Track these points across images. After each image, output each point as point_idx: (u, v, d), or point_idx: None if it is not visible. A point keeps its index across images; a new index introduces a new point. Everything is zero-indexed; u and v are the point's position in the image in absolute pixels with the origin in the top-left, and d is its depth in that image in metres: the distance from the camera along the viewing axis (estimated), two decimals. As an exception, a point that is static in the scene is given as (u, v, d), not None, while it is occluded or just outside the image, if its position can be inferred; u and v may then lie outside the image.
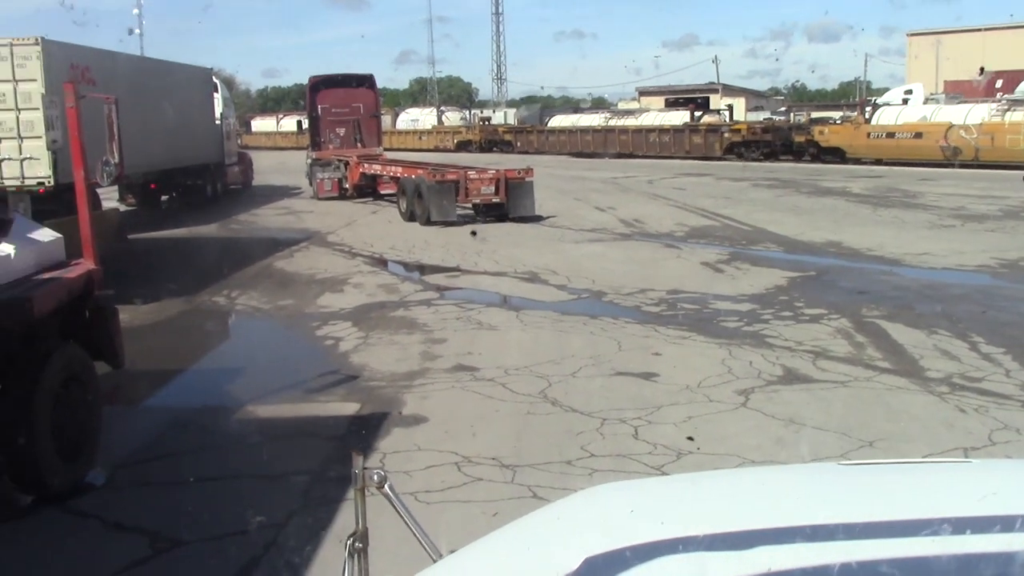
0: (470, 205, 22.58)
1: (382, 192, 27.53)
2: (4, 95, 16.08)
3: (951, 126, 36.69)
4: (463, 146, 61.05)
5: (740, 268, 15.09)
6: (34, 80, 16.24)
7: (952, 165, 35.54)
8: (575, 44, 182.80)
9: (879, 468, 1.91)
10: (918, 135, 37.69)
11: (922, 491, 1.64)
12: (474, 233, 14.12)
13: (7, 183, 16.17)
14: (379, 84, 32.40)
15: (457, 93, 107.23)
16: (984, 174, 32.58)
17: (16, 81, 16.15)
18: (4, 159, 16.38)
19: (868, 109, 42.74)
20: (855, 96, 76.82)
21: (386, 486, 1.82)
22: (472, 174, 22.56)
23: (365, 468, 1.81)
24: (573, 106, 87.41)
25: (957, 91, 47.09)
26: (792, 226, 19.98)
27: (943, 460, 2.18)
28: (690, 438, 6.71)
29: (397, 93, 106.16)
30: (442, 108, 76.64)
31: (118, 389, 8.50)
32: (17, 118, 16.27)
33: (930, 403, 7.92)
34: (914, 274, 14.34)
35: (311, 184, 29.62)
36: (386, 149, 33.59)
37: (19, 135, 16.31)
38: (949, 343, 9.83)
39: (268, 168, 37.10)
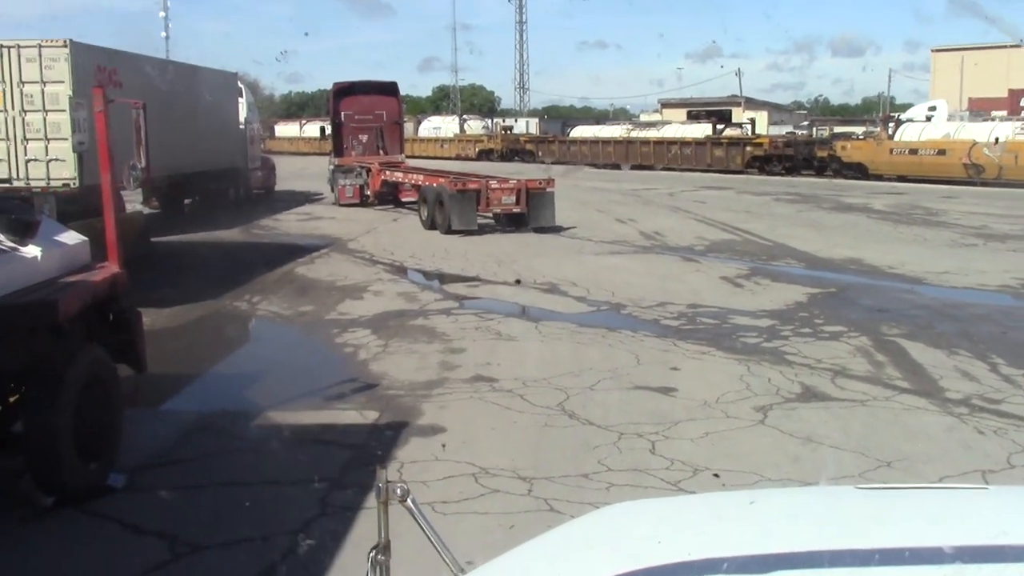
0: (491, 214, 22.64)
1: (403, 200, 27.63)
2: (32, 96, 16.26)
3: (975, 144, 36.50)
4: (484, 155, 61.19)
5: (760, 283, 15.06)
6: (62, 82, 16.42)
7: (975, 183, 35.35)
8: (598, 54, 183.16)
9: (897, 493, 1.93)
10: (941, 152, 37.50)
11: (941, 518, 1.65)
12: (518, 281, 14.25)
13: (33, 184, 16.35)
14: (402, 91, 32.52)
15: (479, 102, 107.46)
16: (1008, 193, 32.36)
17: (44, 83, 16.33)
18: (30, 160, 16.57)
19: (891, 125, 42.56)
20: (878, 111, 76.56)
21: (409, 500, 1.85)
22: (493, 184, 22.62)
23: (388, 482, 1.84)
24: (595, 117, 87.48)
25: (981, 108, 46.86)
26: (813, 242, 19.93)
27: (962, 486, 2.18)
28: (716, 475, 6.67)
29: (420, 100, 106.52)
30: (464, 116, 76.82)
31: (139, 391, 8.56)
32: (44, 119, 16.45)
33: (949, 424, 7.89)
34: (935, 293, 14.27)
35: (333, 190, 29.75)
36: (408, 156, 33.72)
37: (46, 136, 16.48)
38: (969, 364, 9.79)
39: (290, 173, 37.29)
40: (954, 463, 6.88)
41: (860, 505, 1.78)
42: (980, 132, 37.37)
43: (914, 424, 7.89)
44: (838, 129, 52.37)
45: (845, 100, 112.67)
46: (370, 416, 8.27)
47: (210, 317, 13.12)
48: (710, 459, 6.98)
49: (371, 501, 6.00)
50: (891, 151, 39.74)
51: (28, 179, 16.37)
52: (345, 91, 30.50)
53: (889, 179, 38.98)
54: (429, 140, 66.94)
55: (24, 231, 6.49)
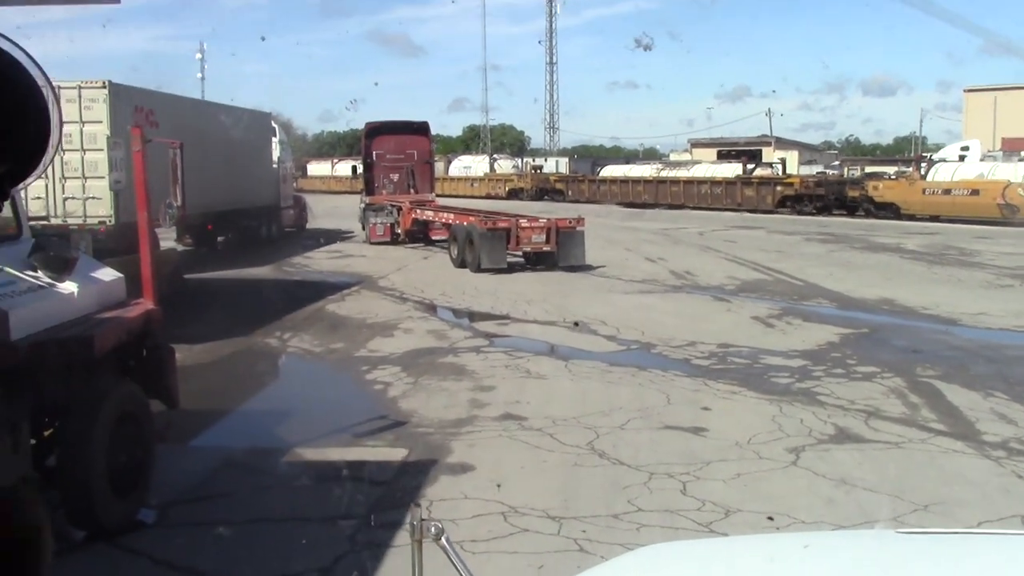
0: (520, 253, 22.69)
1: (434, 238, 27.77)
2: (70, 136, 16.58)
3: (1009, 184, 36.21)
4: (514, 194, 61.45)
5: (791, 323, 14.96)
6: (100, 122, 16.74)
7: (1010, 224, 35.01)
8: (628, 94, 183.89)
9: (937, 538, 1.89)
10: (975, 192, 37.22)
11: (981, 565, 1.62)
12: (576, 324, 14.19)
13: (70, 221, 16.61)
14: (433, 131, 32.81)
15: (509, 141, 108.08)
16: (1043, 233, 32.02)
17: (83, 123, 16.66)
18: (68, 198, 16.85)
19: (923, 165, 42.35)
20: (910, 151, 76.26)
21: (443, 538, 1.84)
22: (523, 222, 22.69)
23: (423, 520, 1.84)
24: (625, 156, 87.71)
25: (1015, 148, 46.50)
26: (845, 282, 19.78)
27: (1006, 532, 2.13)
28: (770, 518, 6.58)
29: (450, 140, 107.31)
30: (494, 156, 77.26)
31: (170, 427, 8.60)
32: (82, 158, 16.76)
33: (986, 468, 7.75)
34: (970, 334, 14.10)
35: (364, 228, 29.96)
36: (438, 195, 33.92)
37: (83, 175, 16.79)
38: (1006, 406, 9.64)
39: (322, 212, 37.61)
40: (993, 508, 6.75)
41: (902, 549, 1.75)
42: (1014, 172, 37.08)
43: (951, 467, 7.76)
44: (869, 169, 52.23)
45: (876, 140, 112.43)
46: (399, 453, 8.26)
47: (241, 353, 13.20)
48: (742, 501, 6.90)
49: (400, 539, 5.98)
50: (924, 191, 39.50)
51: (65, 216, 16.65)
52: (377, 131, 30.81)
53: (922, 219, 38.72)
54: (459, 179, 67.35)
55: (62, 267, 6.57)
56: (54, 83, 0.99)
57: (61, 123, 0.94)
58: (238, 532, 6.48)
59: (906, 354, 12.45)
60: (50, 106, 0.92)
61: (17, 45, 0.96)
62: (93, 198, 16.88)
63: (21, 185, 0.93)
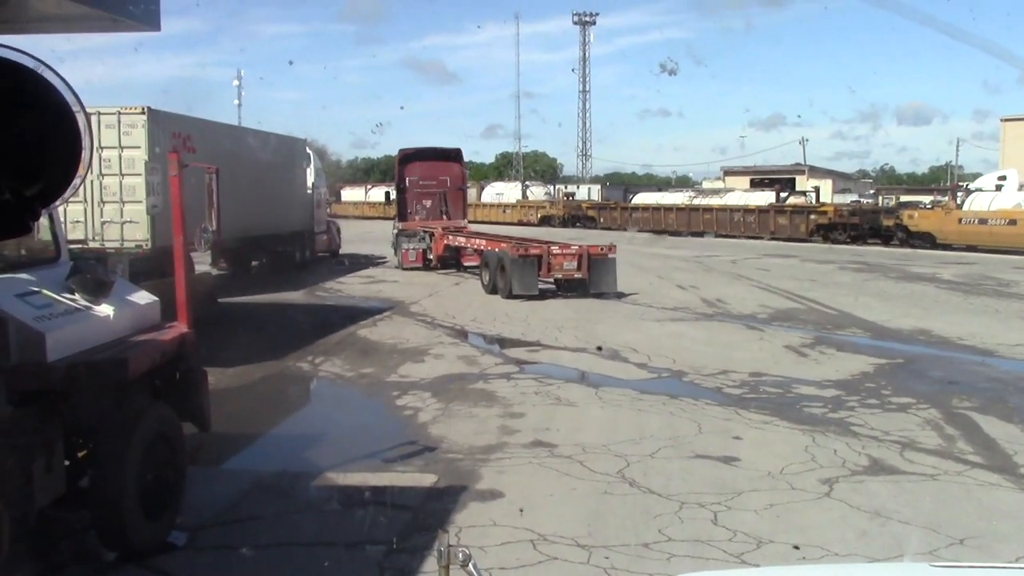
0: (552, 280, 22.69)
1: (465, 264, 27.85)
2: (109, 160, 16.85)
3: (1047, 214, 35.76)
4: (546, 221, 61.55)
5: (825, 353, 14.82)
6: (138, 147, 17.01)
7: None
8: (660, 122, 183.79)
9: (970, 572, 1.86)
10: (1012, 222, 36.79)
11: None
12: (600, 348, 14.05)
13: (108, 245, 16.85)
14: (465, 157, 32.97)
15: (542, 168, 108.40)
16: (1082, 264, 31.56)
17: (121, 148, 16.93)
18: (106, 222, 17.11)
19: (960, 194, 41.95)
20: (946, 180, 75.61)
21: (470, 565, 1.84)
22: (555, 249, 22.71)
23: (450, 546, 1.83)
24: (657, 184, 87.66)
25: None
26: (879, 311, 19.58)
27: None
28: (796, 547, 6.50)
29: (483, 167, 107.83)
30: (527, 183, 77.50)
31: (201, 450, 8.66)
32: (120, 183, 17.02)
33: (1024, 501, 7.62)
34: (1008, 366, 13.90)
35: (396, 254, 30.11)
36: (470, 221, 34.04)
37: (121, 199, 17.05)
38: (1045, 439, 9.47)
39: (355, 237, 37.86)
40: (1031, 542, 6.63)
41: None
42: (1052, 202, 36.62)
43: (988, 500, 7.63)
44: (904, 198, 51.84)
45: (912, 169, 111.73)
46: (429, 479, 8.25)
47: (273, 377, 13.27)
48: (774, 532, 6.82)
49: (428, 565, 5.97)
50: (960, 220, 39.10)
51: (103, 240, 16.89)
52: (410, 157, 31.02)
53: (958, 249, 38.29)
54: (492, 206, 67.58)
55: (98, 291, 6.66)
56: (87, 106, 1.01)
57: (92, 145, 0.96)
58: (267, 555, 6.50)
59: (942, 385, 12.29)
60: (82, 129, 0.93)
61: (50, 68, 0.98)
62: (130, 222, 17.12)
63: (52, 206, 0.95)
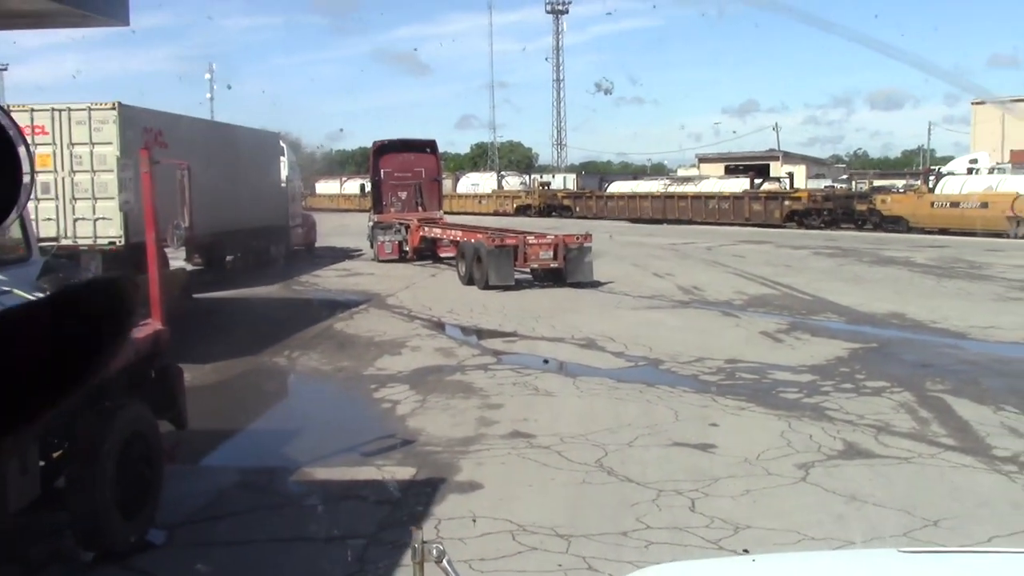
0: (528, 270, 22.71)
1: (441, 255, 27.81)
2: (81, 157, 16.67)
3: (1018, 196, 36.13)
4: (522, 210, 61.54)
5: (800, 338, 14.92)
6: (110, 143, 16.83)
7: (1020, 236, 34.91)
8: (635, 110, 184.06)
9: (942, 557, 1.89)
10: (984, 205, 37.15)
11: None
12: (546, 361, 13.32)
13: (80, 242, 16.69)
14: (440, 148, 32.89)
15: (517, 158, 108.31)
16: (1053, 246, 31.94)
17: (93, 144, 16.75)
18: (78, 219, 16.94)
19: (932, 178, 42.30)
20: (918, 164, 76.20)
21: (444, 560, 1.85)
22: (531, 239, 22.72)
23: (424, 542, 1.84)
24: (632, 172, 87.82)
25: (1023, 160, 46.40)
26: (853, 296, 19.73)
27: (1012, 550, 2.11)
28: (745, 550, 6.54)
29: (458, 157, 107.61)
30: (502, 173, 77.47)
31: (179, 447, 8.63)
32: (92, 180, 16.85)
33: (997, 483, 7.72)
34: (980, 348, 14.05)
35: (372, 246, 30.03)
36: (446, 213, 33.98)
37: (93, 196, 16.87)
38: (1017, 420, 9.59)
39: (330, 230, 37.69)
40: (1004, 523, 6.71)
41: (903, 569, 1.75)
42: (1023, 184, 36.99)
43: (961, 482, 7.73)
44: (877, 182, 52.27)
45: (884, 153, 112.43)
46: (407, 472, 8.25)
47: (250, 373, 13.22)
48: (751, 517, 6.88)
49: (408, 559, 5.96)
50: (932, 204, 39.44)
51: (75, 237, 16.72)
52: (385, 149, 30.91)
53: (930, 232, 38.64)
54: (467, 196, 67.52)
55: (70, 289, 6.61)
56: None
57: (28, 149, 0.95)
58: (246, 552, 6.49)
59: (916, 368, 12.41)
60: (20, 152, 0.92)
61: None
62: (103, 219, 16.96)
63: (3, 225, 0.94)
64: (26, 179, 0.91)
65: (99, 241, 16.95)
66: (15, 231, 6.92)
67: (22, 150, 0.91)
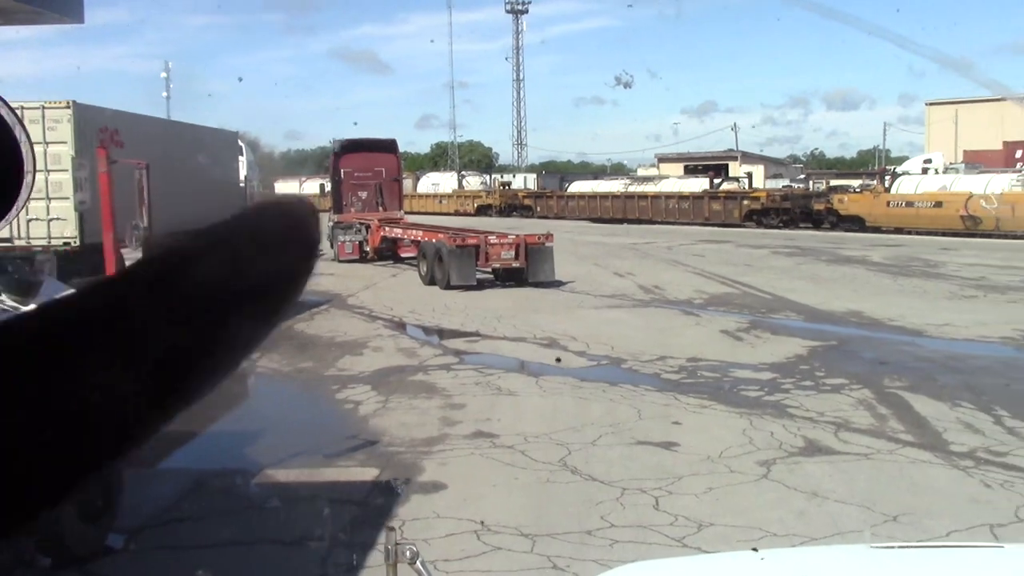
0: (490, 269, 22.70)
1: (402, 255, 27.70)
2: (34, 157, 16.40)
3: (971, 195, 36.75)
4: (483, 210, 61.50)
5: (760, 336, 15.05)
6: (64, 143, 16.58)
7: (973, 235, 35.52)
8: (595, 110, 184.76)
9: (911, 552, 1.90)
10: (938, 204, 37.75)
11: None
12: (558, 360, 13.39)
13: (35, 243, 16.44)
14: (400, 148, 32.76)
15: (477, 158, 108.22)
16: (1005, 244, 32.52)
17: (47, 143, 16.48)
18: (32, 219, 16.67)
19: (887, 178, 42.89)
20: (874, 164, 77.19)
21: (418, 562, 1.83)
22: (492, 239, 22.70)
23: (398, 543, 1.83)
24: (593, 172, 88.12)
25: (976, 161, 47.24)
26: (812, 295, 19.95)
27: (977, 544, 2.14)
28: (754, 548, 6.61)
29: (418, 157, 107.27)
30: (463, 172, 77.37)
31: (138, 451, 8.49)
32: (46, 179, 16.57)
33: (955, 477, 7.83)
34: (936, 345, 14.26)
35: (332, 246, 29.81)
36: (407, 213, 33.87)
37: (47, 196, 16.60)
38: (973, 416, 9.74)
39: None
40: (961, 517, 6.82)
41: (875, 564, 1.76)
42: (976, 184, 37.65)
43: (919, 478, 7.83)
44: (834, 182, 52.77)
45: (841, 153, 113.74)
46: (371, 473, 8.21)
47: (210, 374, 13.05)
48: (714, 515, 6.92)
49: (372, 559, 5.94)
50: (888, 203, 39.99)
51: (29, 238, 16.46)
52: (345, 149, 30.74)
53: (887, 231, 39.18)
54: (428, 196, 67.33)
55: (26, 291, 6.50)
56: (8, 100, 0.96)
57: (32, 148, 0.92)
58: (208, 555, 6.41)
59: (874, 366, 12.57)
60: (21, 143, 0.90)
61: None
62: (57, 219, 16.70)
63: (1, 224, 0.91)
64: (27, 178, 0.88)
65: (54, 242, 16.70)
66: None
67: (25, 148, 0.88)
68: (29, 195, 0.89)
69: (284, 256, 0.61)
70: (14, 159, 0.85)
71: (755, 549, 5.95)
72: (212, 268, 0.56)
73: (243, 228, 0.60)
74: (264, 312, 0.59)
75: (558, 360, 13.32)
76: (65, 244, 16.69)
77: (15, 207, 0.86)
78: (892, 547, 1.98)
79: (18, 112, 0.93)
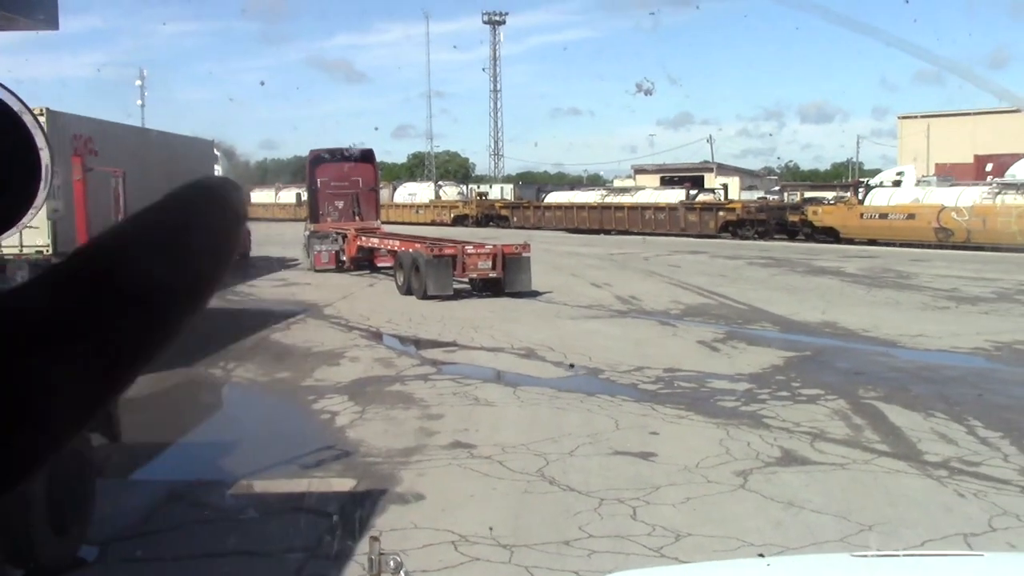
0: (467, 279, 22.68)
1: (379, 265, 27.64)
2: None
3: (943, 208, 37.12)
4: (460, 220, 61.47)
5: (736, 347, 15.12)
6: (38, 150, 16.41)
7: (944, 247, 35.87)
8: (571, 121, 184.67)
9: (893, 561, 1.91)
10: (911, 216, 38.10)
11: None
12: (572, 366, 13.38)
13: (6, 251, 16.25)
14: (377, 158, 32.73)
15: (454, 168, 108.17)
16: (976, 256, 32.85)
17: (52, 149, 16.31)
18: (3, 228, 16.47)
19: (861, 190, 43.24)
20: (848, 176, 77.82)
21: (402, 572, 1.82)
22: (469, 249, 22.69)
23: (382, 553, 1.81)
24: (569, 182, 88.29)
25: (948, 174, 47.71)
26: (787, 305, 20.07)
27: (957, 553, 2.16)
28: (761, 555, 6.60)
29: (395, 167, 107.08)
30: (439, 183, 77.30)
31: (110, 461, 8.41)
32: (51, 185, 16.38)
33: (929, 487, 7.89)
34: (909, 355, 14.37)
35: (308, 256, 29.71)
36: (384, 222, 33.80)
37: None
38: (946, 426, 9.82)
39: (265, 239, 37.20)
40: (936, 527, 6.87)
41: (856, 572, 1.77)
42: (948, 197, 38.04)
43: (894, 487, 7.88)
44: (809, 194, 53.18)
45: (815, 166, 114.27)
46: (347, 484, 8.17)
47: (184, 384, 12.95)
48: (692, 525, 6.93)
49: (350, 570, 5.91)
50: (862, 215, 40.33)
51: (0, 247, 16.27)
52: (321, 158, 30.66)
53: (860, 243, 39.49)
54: (405, 206, 67.19)
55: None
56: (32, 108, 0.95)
57: (52, 154, 0.91)
58: (183, 568, 6.35)
59: (848, 376, 12.65)
60: (39, 144, 0.89)
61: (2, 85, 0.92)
62: (30, 227, 16.48)
63: (9, 233, 0.90)
64: (43, 184, 0.87)
65: (26, 250, 16.53)
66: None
67: (45, 154, 0.88)
68: (44, 200, 0.89)
69: (211, 236, 0.62)
70: (32, 165, 0.85)
71: (761, 555, 5.97)
72: (141, 257, 0.57)
73: (169, 213, 0.61)
74: (196, 292, 0.61)
75: (571, 366, 13.32)
76: (38, 252, 16.53)
77: (31, 211, 0.85)
78: (873, 555, 1.99)
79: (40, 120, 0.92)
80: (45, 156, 0.87)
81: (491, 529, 6.78)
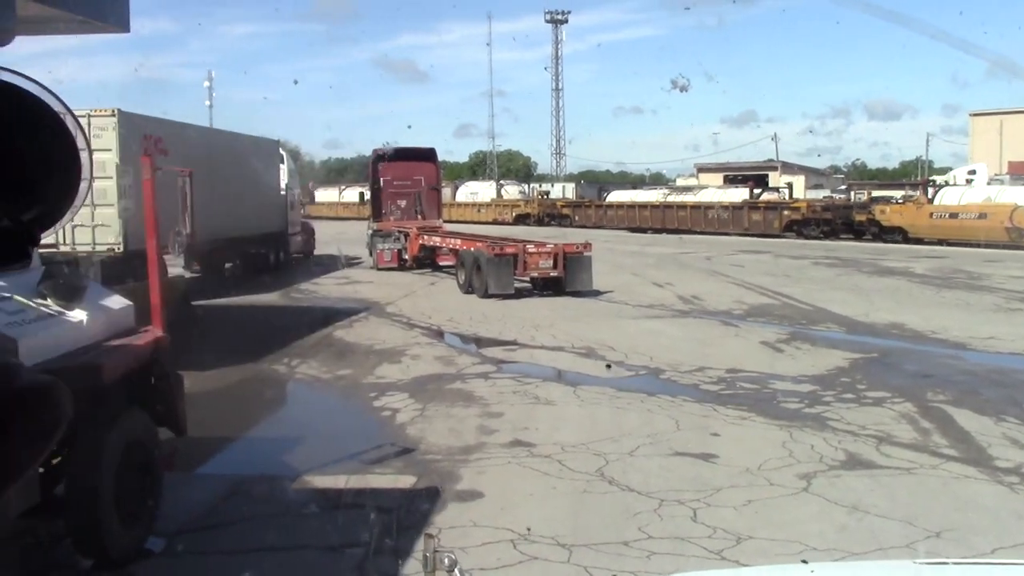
0: (528, 278, 22.69)
1: (441, 264, 27.81)
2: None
3: (1016, 207, 36.18)
4: (521, 219, 61.57)
5: (800, 348, 14.90)
6: (109, 150, 16.83)
7: (1018, 247, 34.94)
8: (634, 119, 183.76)
9: (958, 569, 1.86)
10: (982, 216, 37.20)
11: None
12: (609, 366, 13.36)
13: (79, 248, 16.68)
14: (439, 157, 32.91)
15: (516, 167, 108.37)
16: (1051, 257, 31.96)
17: (91, 151, 16.72)
18: (77, 225, 16.91)
19: (930, 189, 42.37)
20: (916, 175, 76.28)
21: (456, 569, 1.82)
22: (531, 248, 22.70)
23: (436, 550, 1.82)
24: (631, 181, 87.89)
25: (1021, 172, 46.49)
26: (853, 306, 19.72)
27: (1019, 563, 2.09)
28: (804, 561, 6.53)
29: (457, 166, 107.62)
30: (501, 181, 77.47)
31: (177, 455, 8.57)
32: (91, 186, 16.79)
33: (999, 493, 7.69)
34: (980, 358, 14.03)
35: (371, 254, 30.00)
36: (445, 221, 33.99)
37: (92, 203, 16.85)
38: (1018, 431, 9.57)
39: (329, 238, 37.66)
40: (1007, 534, 6.69)
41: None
42: (1021, 195, 37.06)
43: (963, 493, 7.70)
44: (876, 193, 52.27)
45: (883, 164, 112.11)
46: (407, 481, 8.22)
47: (249, 380, 13.18)
48: (753, 528, 6.84)
49: (409, 567, 5.94)
50: (931, 215, 39.50)
51: (74, 244, 16.71)
52: (384, 157, 30.93)
53: (929, 243, 38.69)
54: (466, 205, 67.51)
55: (71, 296, 6.58)
56: (75, 112, 0.97)
57: (91, 155, 0.93)
58: (245, 561, 6.45)
59: (916, 379, 12.39)
60: (80, 147, 0.91)
61: (30, 79, 0.94)
62: (102, 225, 16.96)
63: (52, 230, 0.92)
64: (83, 185, 0.90)
65: (98, 248, 16.95)
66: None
67: (84, 156, 0.90)
68: (84, 201, 0.91)
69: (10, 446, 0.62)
70: (73, 165, 0.87)
71: (805, 561, 5.88)
72: None
73: None
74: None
75: (608, 367, 13.29)
76: (109, 250, 16.94)
77: (70, 211, 0.87)
78: (938, 563, 1.94)
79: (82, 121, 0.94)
80: (85, 157, 0.88)
81: (548, 528, 6.77)
